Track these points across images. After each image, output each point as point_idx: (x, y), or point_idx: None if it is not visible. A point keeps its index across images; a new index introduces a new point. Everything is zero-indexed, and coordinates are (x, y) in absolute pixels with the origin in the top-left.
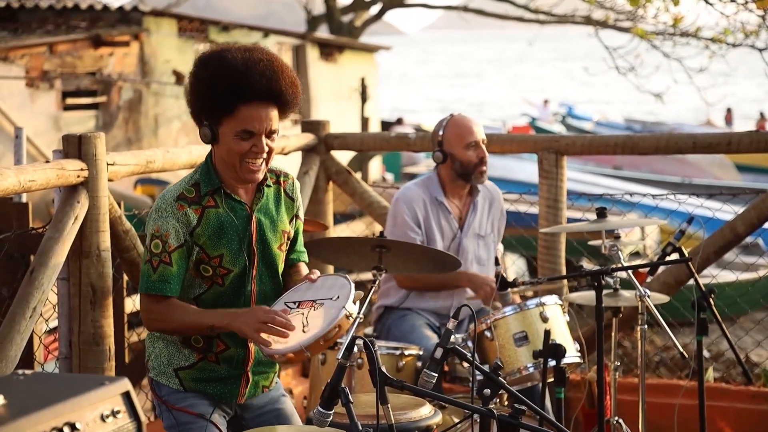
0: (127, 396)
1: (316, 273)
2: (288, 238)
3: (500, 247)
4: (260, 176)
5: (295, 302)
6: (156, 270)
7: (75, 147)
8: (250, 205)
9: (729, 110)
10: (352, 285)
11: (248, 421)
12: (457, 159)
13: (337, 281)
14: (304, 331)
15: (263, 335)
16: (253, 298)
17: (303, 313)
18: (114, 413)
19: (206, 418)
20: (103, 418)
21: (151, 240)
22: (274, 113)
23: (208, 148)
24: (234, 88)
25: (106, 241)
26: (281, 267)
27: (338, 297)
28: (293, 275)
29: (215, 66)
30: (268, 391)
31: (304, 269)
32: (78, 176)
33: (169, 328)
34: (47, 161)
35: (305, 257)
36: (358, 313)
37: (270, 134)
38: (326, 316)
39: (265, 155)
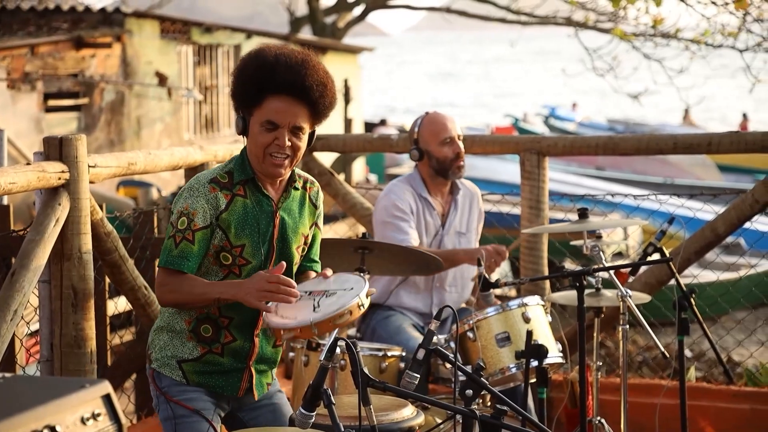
0: (107, 399)
1: (330, 271)
2: (305, 242)
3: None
4: (284, 172)
5: (307, 291)
6: (178, 245)
7: (56, 149)
8: (276, 202)
9: (686, 110)
10: (366, 281)
11: (244, 414)
12: (434, 156)
13: (351, 277)
14: (314, 311)
15: (268, 303)
16: None
17: (314, 298)
18: (94, 416)
19: (202, 415)
20: (83, 421)
21: (179, 217)
22: (301, 110)
23: (189, 150)
24: (261, 79)
25: (87, 243)
26: (295, 268)
27: (352, 288)
28: (302, 281)
29: (249, 58)
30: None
31: (312, 277)
32: (59, 178)
33: (180, 299)
34: (28, 163)
35: (318, 267)
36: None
37: (295, 131)
38: (339, 301)
39: (288, 151)
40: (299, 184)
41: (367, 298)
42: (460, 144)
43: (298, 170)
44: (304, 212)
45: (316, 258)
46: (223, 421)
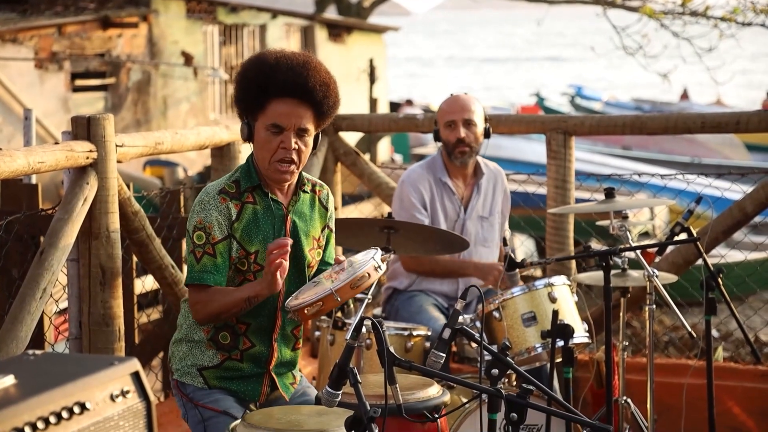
0: (136, 376)
1: (342, 257)
2: (319, 245)
3: (507, 228)
4: (289, 177)
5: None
6: (199, 261)
7: (84, 128)
8: (287, 206)
9: (685, 90)
10: (379, 249)
11: None
12: (441, 138)
13: (366, 252)
14: (332, 283)
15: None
16: (281, 297)
17: (332, 277)
18: (123, 393)
19: (230, 415)
20: (112, 398)
21: (194, 231)
22: (306, 112)
23: (216, 129)
24: (262, 82)
25: (115, 222)
26: (309, 271)
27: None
28: None
29: (250, 62)
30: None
31: None
32: (87, 158)
33: (214, 312)
34: (56, 143)
35: None
36: (367, 293)
37: (301, 133)
38: (355, 267)
39: (294, 155)
40: (308, 188)
41: (383, 262)
42: (463, 130)
43: (306, 174)
44: (314, 215)
45: (332, 260)
46: None
